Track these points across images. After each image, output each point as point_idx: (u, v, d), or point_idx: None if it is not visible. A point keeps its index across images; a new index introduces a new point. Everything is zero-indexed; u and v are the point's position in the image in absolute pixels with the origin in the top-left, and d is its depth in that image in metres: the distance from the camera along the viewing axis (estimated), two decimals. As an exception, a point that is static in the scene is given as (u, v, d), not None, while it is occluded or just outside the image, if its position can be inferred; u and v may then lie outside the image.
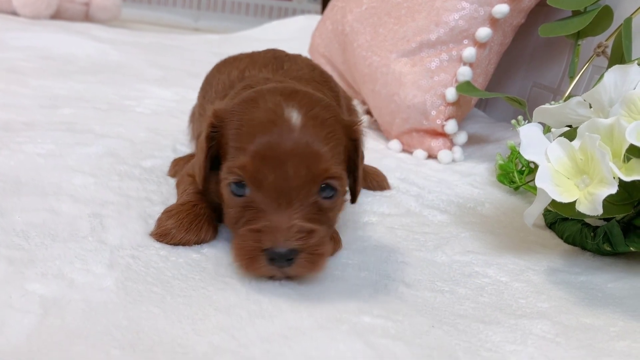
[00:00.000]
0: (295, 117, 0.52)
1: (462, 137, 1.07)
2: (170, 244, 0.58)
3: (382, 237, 0.69)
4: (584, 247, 0.72)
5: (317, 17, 2.38)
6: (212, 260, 0.57)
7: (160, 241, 0.59)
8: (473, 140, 1.14)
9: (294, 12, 3.59)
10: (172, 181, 0.75)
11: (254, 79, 0.67)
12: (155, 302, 0.48)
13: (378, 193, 0.84)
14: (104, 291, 0.48)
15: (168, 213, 0.60)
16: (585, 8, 0.96)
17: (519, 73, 1.31)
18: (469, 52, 1.06)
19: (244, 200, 0.53)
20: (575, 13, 1.00)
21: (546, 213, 0.80)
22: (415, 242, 0.69)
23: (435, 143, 1.06)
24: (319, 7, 3.56)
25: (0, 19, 1.96)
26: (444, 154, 1.05)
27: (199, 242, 0.59)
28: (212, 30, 3.18)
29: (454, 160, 1.05)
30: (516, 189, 0.91)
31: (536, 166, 0.86)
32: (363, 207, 0.77)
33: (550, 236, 0.76)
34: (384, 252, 0.65)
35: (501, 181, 0.93)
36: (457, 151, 1.06)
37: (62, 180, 0.69)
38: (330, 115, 0.56)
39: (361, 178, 0.62)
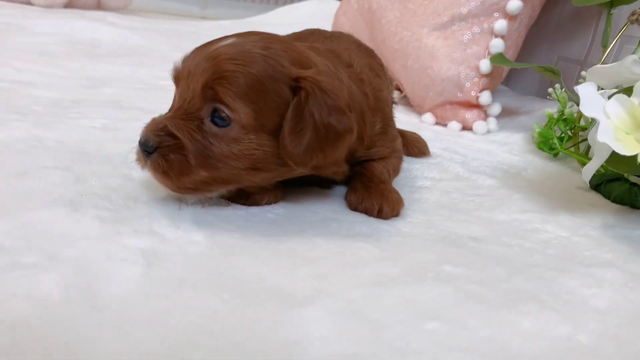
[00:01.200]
0: (224, 42, 0.55)
1: (496, 108, 1.09)
2: (244, 205, 0.60)
3: (439, 199, 0.71)
4: (633, 206, 0.74)
5: (329, 2, 2.40)
6: (286, 219, 0.59)
7: (234, 202, 0.60)
8: (503, 113, 1.15)
9: (300, -1, 3.59)
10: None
11: None
12: (246, 254, 0.50)
13: (424, 160, 0.86)
14: (197, 245, 0.50)
15: (238, 176, 0.62)
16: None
17: (543, 46, 1.33)
18: (501, 24, 1.07)
19: None
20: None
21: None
22: (472, 203, 0.71)
23: (470, 115, 1.08)
24: (324, -8, 3.56)
25: (17, 7, 1.96)
26: (479, 125, 1.06)
27: (269, 202, 0.61)
28: (219, 17, 3.18)
29: (489, 131, 1.07)
30: (555, 155, 0.93)
31: (574, 133, 0.88)
32: (414, 172, 0.79)
33: (597, 197, 0.78)
34: (446, 212, 0.67)
35: (541, 148, 0.94)
36: (492, 122, 1.08)
37: (126, 151, 0.70)
38: (260, 53, 0.54)
39: (289, 131, 0.54)
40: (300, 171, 0.58)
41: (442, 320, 0.42)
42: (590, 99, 0.63)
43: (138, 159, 0.55)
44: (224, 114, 0.53)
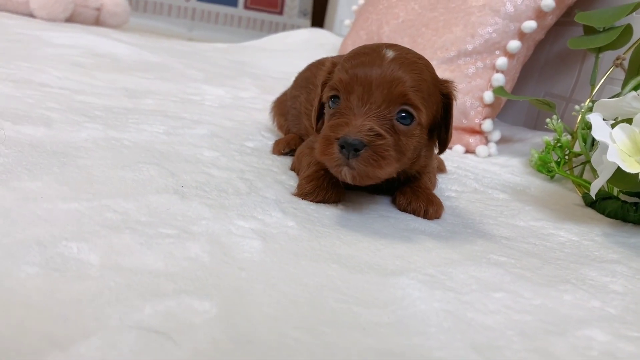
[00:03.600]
0: (390, 54, 0.64)
1: (496, 135, 1.22)
2: (313, 202, 0.70)
3: (466, 207, 0.82)
4: (625, 220, 0.86)
5: (319, 31, 2.53)
6: (351, 213, 0.69)
7: (304, 199, 0.70)
8: (499, 140, 1.28)
9: (284, 27, 3.73)
10: (280, 158, 0.87)
11: None
12: (334, 237, 0.59)
13: (444, 175, 0.97)
14: (292, 229, 0.59)
15: (307, 178, 0.72)
16: (604, 27, 1.12)
17: (532, 82, 1.48)
18: (502, 61, 1.21)
19: (335, 109, 0.65)
20: (589, 30, 1.17)
21: (585, 195, 0.95)
22: (494, 212, 0.82)
23: (473, 139, 1.21)
24: (308, 22, 3.72)
25: (23, 19, 2.02)
26: (481, 149, 1.19)
27: (335, 201, 0.71)
28: (205, 39, 3.28)
29: (489, 155, 1.20)
30: (552, 177, 1.06)
31: (569, 158, 1.01)
32: (438, 185, 0.90)
33: (592, 212, 0.91)
34: (476, 217, 0.78)
35: (539, 170, 1.07)
36: (492, 147, 1.21)
37: (196, 152, 0.80)
38: (422, 63, 0.66)
39: (451, 130, 0.72)
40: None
41: (505, 292, 0.53)
42: (600, 126, 0.76)
43: (337, 159, 0.61)
44: (408, 115, 0.64)
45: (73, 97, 1.01)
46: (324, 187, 0.71)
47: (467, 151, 1.22)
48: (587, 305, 0.54)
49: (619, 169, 0.72)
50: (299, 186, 0.72)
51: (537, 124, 1.47)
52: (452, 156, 1.16)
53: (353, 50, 0.68)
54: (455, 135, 1.23)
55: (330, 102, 0.66)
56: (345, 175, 0.62)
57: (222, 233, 0.54)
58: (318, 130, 0.73)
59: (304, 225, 0.61)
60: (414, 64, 0.65)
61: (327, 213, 0.68)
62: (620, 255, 0.71)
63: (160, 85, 1.30)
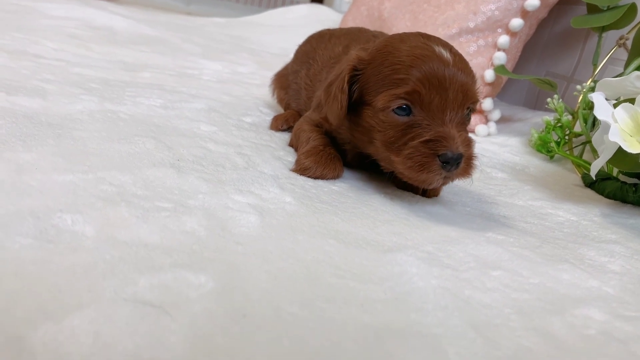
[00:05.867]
0: (445, 53, 0.63)
1: (496, 114, 1.21)
2: (311, 177, 0.69)
3: (464, 186, 0.82)
4: (624, 201, 0.86)
5: (319, 7, 2.50)
6: (350, 191, 0.68)
7: (302, 174, 0.69)
8: (499, 119, 1.27)
9: (284, 2, 3.68)
10: (278, 134, 0.86)
11: None
12: (331, 213, 0.59)
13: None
14: (289, 204, 0.59)
15: (306, 153, 0.71)
16: (608, 6, 1.11)
17: (533, 61, 1.46)
18: (504, 39, 1.19)
19: (408, 120, 0.63)
20: (593, 9, 1.15)
21: (584, 176, 0.95)
22: (493, 191, 0.82)
23: (473, 118, 1.20)
24: (308, -3, 3.67)
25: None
26: (481, 128, 1.18)
27: (334, 177, 0.71)
28: (203, 14, 3.25)
29: (489, 134, 1.19)
30: (552, 157, 1.06)
31: (570, 138, 1.00)
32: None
33: (592, 193, 0.90)
34: (475, 195, 0.78)
35: (539, 150, 1.07)
36: (492, 126, 1.20)
37: (192, 126, 0.79)
38: (463, 55, 0.68)
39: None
40: None
41: (503, 270, 0.53)
42: (602, 105, 0.75)
43: (435, 172, 0.61)
44: (473, 107, 0.66)
45: (69, 69, 0.99)
46: (322, 163, 0.70)
47: (466, 130, 1.21)
48: (585, 285, 0.54)
49: (619, 149, 0.71)
50: (298, 161, 0.71)
51: (537, 104, 1.46)
52: (452, 135, 1.15)
53: (391, 45, 0.66)
54: (455, 113, 1.22)
55: (395, 109, 0.63)
56: (438, 181, 0.63)
57: (219, 207, 0.54)
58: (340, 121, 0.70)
59: (302, 201, 0.60)
60: (462, 57, 0.66)
61: (325, 189, 0.67)
62: (619, 236, 0.71)
63: (158, 58, 1.28)
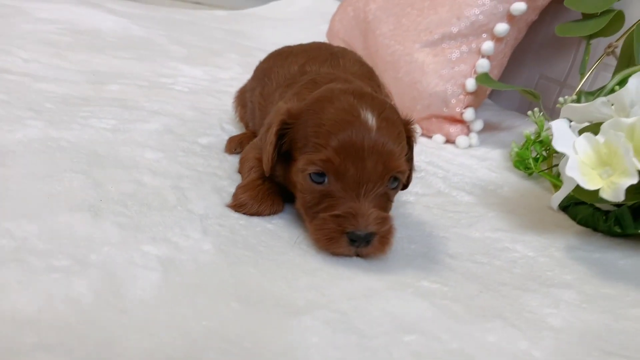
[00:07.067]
0: (370, 118, 0.59)
1: (478, 125, 1.16)
2: (247, 214, 0.66)
3: (421, 215, 0.78)
4: (595, 229, 0.81)
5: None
6: (285, 229, 0.65)
7: (238, 211, 0.66)
8: (485, 127, 1.22)
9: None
10: (230, 158, 0.83)
11: (318, 75, 0.74)
12: (250, 264, 0.56)
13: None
14: (206, 253, 0.56)
15: (243, 188, 0.68)
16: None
17: (527, 64, 1.40)
18: (488, 45, 1.14)
19: (323, 188, 0.60)
20: (586, 15, 1.09)
21: (559, 197, 0.90)
22: (451, 220, 0.78)
23: (454, 129, 1.15)
24: (318, -15, 3.59)
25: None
26: (462, 140, 1.13)
27: (271, 213, 0.67)
28: (213, 5, 3.21)
29: (470, 145, 1.14)
30: (530, 174, 1.01)
31: (549, 154, 0.95)
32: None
33: (564, 218, 0.86)
34: (427, 228, 0.74)
35: (517, 167, 1.02)
36: (474, 137, 1.15)
37: (136, 154, 0.76)
38: (396, 117, 0.64)
39: (412, 168, 0.71)
40: None
41: (419, 333, 0.49)
42: (563, 134, 0.70)
43: (344, 248, 0.59)
44: (397, 179, 0.62)
45: (31, 85, 0.98)
46: (259, 199, 0.67)
47: (447, 141, 1.16)
48: (511, 349, 0.50)
49: (581, 181, 0.67)
50: (234, 196, 0.68)
51: (531, 107, 1.40)
52: (430, 148, 1.11)
53: (320, 103, 0.62)
54: (435, 124, 1.17)
55: (312, 175, 0.60)
56: (350, 255, 0.61)
57: (121, 263, 0.51)
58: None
59: (221, 249, 0.58)
60: (392, 122, 0.61)
61: (257, 229, 0.64)
62: (575, 277, 0.67)
63: (134, 66, 1.26)
